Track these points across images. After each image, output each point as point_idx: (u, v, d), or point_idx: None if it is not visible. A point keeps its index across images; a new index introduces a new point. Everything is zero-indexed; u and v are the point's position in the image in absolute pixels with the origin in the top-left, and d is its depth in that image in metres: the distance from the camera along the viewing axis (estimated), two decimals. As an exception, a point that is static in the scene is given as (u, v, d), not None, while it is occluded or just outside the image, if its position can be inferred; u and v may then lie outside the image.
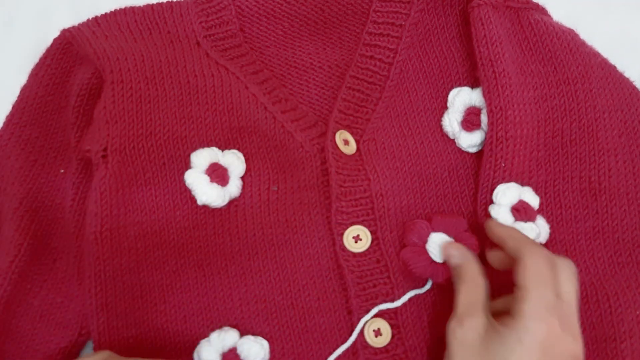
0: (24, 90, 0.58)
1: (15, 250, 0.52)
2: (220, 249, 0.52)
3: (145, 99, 0.53)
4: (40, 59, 0.58)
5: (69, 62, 0.58)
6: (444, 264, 0.49)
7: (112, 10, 0.58)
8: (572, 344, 0.41)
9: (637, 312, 0.48)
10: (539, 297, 0.41)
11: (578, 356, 0.42)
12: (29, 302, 0.52)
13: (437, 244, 0.49)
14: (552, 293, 0.42)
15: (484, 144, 0.53)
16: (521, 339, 0.40)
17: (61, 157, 0.56)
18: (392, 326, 0.49)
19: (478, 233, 0.52)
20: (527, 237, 0.46)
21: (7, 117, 0.57)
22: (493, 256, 0.48)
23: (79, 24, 0.58)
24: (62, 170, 0.55)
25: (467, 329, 0.42)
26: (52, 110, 0.57)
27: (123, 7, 0.58)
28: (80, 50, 0.56)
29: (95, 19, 0.58)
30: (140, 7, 0.58)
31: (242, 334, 0.50)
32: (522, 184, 0.52)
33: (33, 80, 0.57)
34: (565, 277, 0.43)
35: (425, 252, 0.49)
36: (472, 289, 0.44)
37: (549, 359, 0.40)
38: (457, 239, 0.49)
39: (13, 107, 0.57)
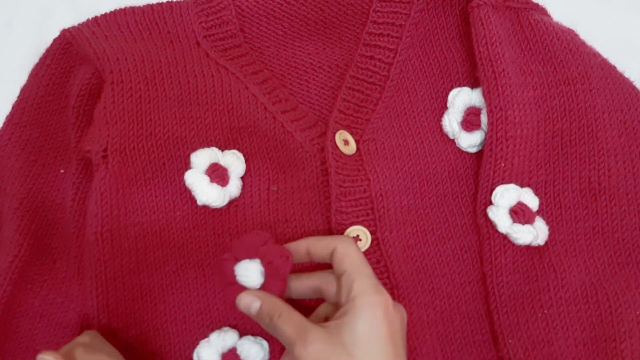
0: (24, 90, 0.58)
1: (15, 250, 0.52)
2: (220, 249, 0.52)
3: (145, 99, 0.53)
4: (40, 59, 0.58)
5: (68, 63, 0.58)
6: (272, 278, 0.46)
7: (112, 10, 0.58)
8: (401, 310, 0.45)
9: (637, 312, 0.48)
10: (365, 274, 0.44)
11: (403, 312, 0.45)
12: (29, 302, 0.52)
13: (243, 274, 0.46)
14: (370, 268, 0.45)
15: (483, 144, 0.53)
16: (370, 314, 0.42)
17: (61, 157, 0.56)
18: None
19: (478, 234, 0.52)
20: (328, 236, 0.49)
21: (7, 117, 0.57)
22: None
23: (79, 24, 0.58)
24: (62, 171, 0.55)
25: (313, 343, 0.41)
26: (52, 111, 0.57)
27: (123, 7, 0.58)
28: (80, 50, 0.56)
29: (95, 19, 0.58)
30: (140, 7, 0.58)
31: (242, 334, 0.50)
32: (522, 185, 0.52)
33: (33, 80, 0.58)
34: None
35: (242, 287, 0.46)
36: (287, 317, 0.44)
37: (392, 327, 0.42)
38: (261, 255, 0.46)
39: (13, 107, 0.57)
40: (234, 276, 0.46)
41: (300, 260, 0.48)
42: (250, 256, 0.46)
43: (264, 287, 0.46)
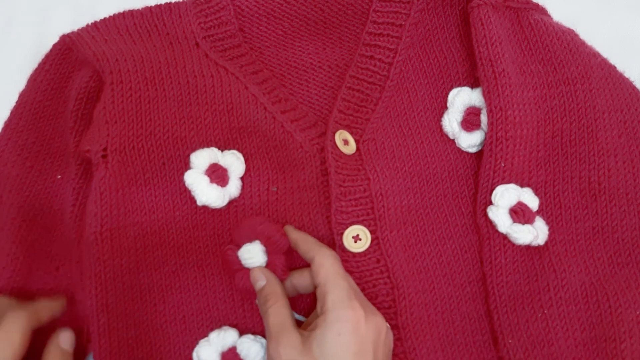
0: (23, 95, 0.58)
1: (13, 265, 0.52)
2: (220, 249, 0.52)
3: (145, 100, 0.53)
4: (40, 64, 0.58)
5: (67, 68, 0.57)
6: (274, 254, 0.49)
7: (112, 14, 0.58)
8: (375, 318, 0.45)
9: (637, 312, 0.48)
10: (339, 287, 0.45)
11: (381, 327, 0.45)
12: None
13: (247, 257, 0.49)
14: (345, 280, 0.46)
15: (483, 144, 0.53)
16: (338, 330, 0.42)
17: (58, 162, 0.56)
18: (392, 327, 0.49)
19: (478, 234, 0.52)
20: (316, 241, 0.49)
21: (5, 122, 0.57)
22: (297, 279, 0.49)
23: (79, 29, 0.58)
24: (59, 176, 0.55)
25: (285, 346, 0.43)
26: (50, 116, 0.57)
27: (122, 9, 0.58)
28: (79, 54, 0.56)
29: (95, 23, 0.58)
30: (139, 9, 0.58)
31: (242, 333, 0.50)
32: (522, 185, 0.52)
33: (31, 85, 0.57)
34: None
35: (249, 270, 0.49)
36: (278, 309, 0.45)
37: (361, 342, 0.43)
38: (260, 235, 0.49)
39: (11, 112, 0.57)
40: (239, 262, 0.49)
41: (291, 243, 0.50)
42: (250, 239, 0.49)
43: (268, 265, 0.48)
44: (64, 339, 0.49)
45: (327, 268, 0.46)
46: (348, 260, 0.50)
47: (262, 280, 0.47)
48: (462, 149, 0.55)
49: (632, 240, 0.51)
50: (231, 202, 0.53)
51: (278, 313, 0.45)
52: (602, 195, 0.52)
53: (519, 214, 0.50)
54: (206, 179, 0.52)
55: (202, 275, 0.51)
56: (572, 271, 0.50)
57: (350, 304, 0.44)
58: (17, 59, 0.60)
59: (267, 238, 0.48)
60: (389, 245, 0.51)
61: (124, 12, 0.58)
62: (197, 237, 0.52)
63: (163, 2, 0.59)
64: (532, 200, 0.51)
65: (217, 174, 0.52)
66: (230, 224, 0.52)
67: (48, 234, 0.54)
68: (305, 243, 0.49)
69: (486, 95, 0.53)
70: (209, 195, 0.51)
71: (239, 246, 0.49)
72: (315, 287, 0.47)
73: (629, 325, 0.48)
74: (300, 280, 0.49)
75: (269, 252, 0.49)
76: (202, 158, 0.52)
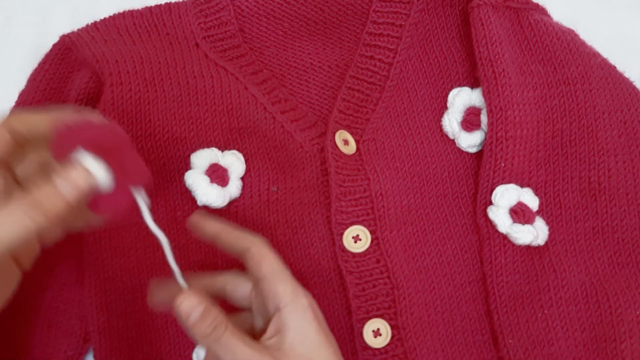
0: (22, 95, 0.57)
1: None
2: (220, 250, 0.52)
3: (144, 101, 0.53)
4: (39, 64, 0.58)
5: (67, 69, 0.57)
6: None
7: (111, 14, 0.58)
8: (310, 295, 0.43)
9: (637, 312, 0.48)
10: (284, 275, 0.42)
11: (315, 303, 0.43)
12: (36, 311, 0.52)
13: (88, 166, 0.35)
14: (288, 270, 0.43)
15: (483, 144, 0.53)
16: (304, 323, 0.40)
17: None
18: (392, 327, 0.49)
19: (478, 234, 0.52)
20: (241, 230, 0.45)
21: None
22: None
23: (78, 30, 0.57)
24: None
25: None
26: None
27: (122, 9, 0.58)
28: (79, 54, 0.56)
29: (95, 24, 0.58)
30: (138, 10, 0.58)
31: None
32: (522, 185, 0.52)
33: (31, 85, 0.57)
34: None
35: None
36: (230, 339, 0.39)
37: (321, 322, 0.41)
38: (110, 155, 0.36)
39: (11, 112, 0.57)
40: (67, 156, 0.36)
41: (204, 237, 0.45)
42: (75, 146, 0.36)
43: (112, 195, 0.37)
44: None
45: (270, 259, 0.42)
46: (348, 261, 0.50)
47: (197, 310, 0.39)
48: (462, 149, 0.55)
49: (632, 240, 0.51)
50: (231, 202, 0.53)
51: (232, 342, 0.39)
52: (602, 195, 0.52)
53: (519, 214, 0.50)
54: (206, 179, 0.52)
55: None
56: (572, 271, 0.50)
57: (303, 291, 0.42)
58: (16, 59, 0.60)
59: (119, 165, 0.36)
60: (389, 246, 0.51)
61: (123, 12, 0.58)
62: (197, 237, 0.52)
63: (163, 2, 0.59)
64: (532, 201, 0.51)
65: (218, 174, 0.52)
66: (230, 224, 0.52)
67: None
68: (230, 234, 0.44)
69: (486, 95, 0.53)
70: (210, 195, 0.51)
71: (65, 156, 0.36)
72: (215, 295, 0.43)
73: (629, 325, 0.48)
74: (238, 286, 0.44)
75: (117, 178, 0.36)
76: (202, 158, 0.52)
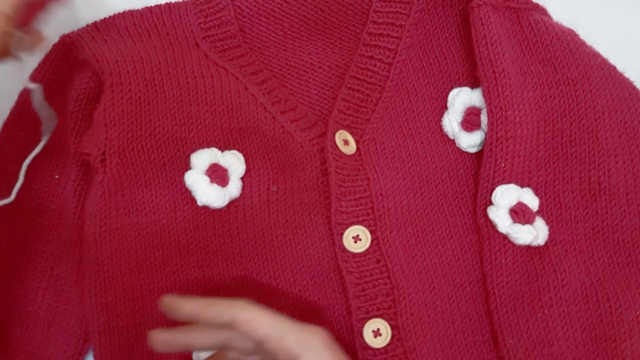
0: (22, 95, 0.57)
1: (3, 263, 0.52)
2: (220, 250, 0.52)
3: (144, 101, 0.53)
4: (39, 64, 0.58)
5: (67, 68, 0.57)
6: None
7: (111, 14, 0.58)
8: (319, 329, 0.42)
9: (637, 312, 0.48)
10: (285, 327, 0.41)
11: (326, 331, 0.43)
12: (35, 311, 0.52)
13: None
14: (278, 317, 0.42)
15: (483, 144, 0.53)
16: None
17: (56, 162, 0.56)
18: (392, 327, 0.49)
19: (478, 234, 0.52)
20: (219, 299, 0.43)
21: (4, 121, 0.57)
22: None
23: (79, 30, 0.57)
24: (57, 176, 0.55)
25: None
26: None
27: (122, 9, 0.58)
28: (79, 54, 0.56)
29: (95, 24, 0.57)
30: (139, 10, 0.58)
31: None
32: (522, 185, 0.52)
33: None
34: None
35: None
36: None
37: (335, 351, 0.42)
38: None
39: (10, 112, 0.57)
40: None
41: (182, 319, 0.43)
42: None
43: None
44: None
45: (263, 319, 0.41)
46: (348, 261, 0.50)
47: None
48: (462, 149, 0.55)
49: (632, 240, 0.51)
50: (232, 202, 0.53)
51: None
52: (602, 195, 0.52)
53: (519, 214, 0.50)
54: (206, 179, 0.52)
55: (203, 276, 0.51)
56: (572, 271, 0.50)
57: (308, 328, 0.42)
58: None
59: None
60: (389, 246, 0.51)
61: (123, 12, 0.58)
62: (197, 237, 0.52)
63: (163, 2, 0.59)
64: (532, 201, 0.51)
65: (218, 174, 0.52)
66: (230, 224, 0.52)
67: (43, 233, 0.54)
68: (210, 308, 0.42)
69: (486, 95, 0.53)
70: (210, 195, 0.51)
71: None
72: (215, 347, 0.42)
73: (629, 325, 0.48)
74: (201, 339, 0.42)
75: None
76: (202, 158, 0.52)
